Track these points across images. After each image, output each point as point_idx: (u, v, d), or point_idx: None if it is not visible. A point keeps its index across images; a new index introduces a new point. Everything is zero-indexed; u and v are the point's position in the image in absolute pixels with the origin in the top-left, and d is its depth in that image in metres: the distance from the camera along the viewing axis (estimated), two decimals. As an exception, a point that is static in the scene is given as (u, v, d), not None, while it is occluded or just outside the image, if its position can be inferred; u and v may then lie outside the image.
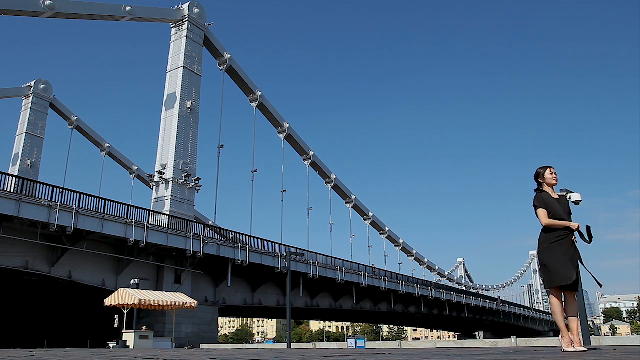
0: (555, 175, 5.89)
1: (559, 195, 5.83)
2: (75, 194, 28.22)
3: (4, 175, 26.33)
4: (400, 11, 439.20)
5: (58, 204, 26.59)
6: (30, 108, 46.49)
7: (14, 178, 27.89)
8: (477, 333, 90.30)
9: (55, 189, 27.59)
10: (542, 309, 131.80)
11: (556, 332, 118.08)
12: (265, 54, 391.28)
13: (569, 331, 5.53)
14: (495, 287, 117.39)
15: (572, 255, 5.55)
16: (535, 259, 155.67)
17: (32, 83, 46.93)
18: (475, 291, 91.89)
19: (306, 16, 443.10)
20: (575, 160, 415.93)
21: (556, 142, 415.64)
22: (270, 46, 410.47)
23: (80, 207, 27.83)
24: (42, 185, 27.76)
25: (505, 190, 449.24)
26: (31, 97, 46.64)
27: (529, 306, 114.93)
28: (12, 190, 25.87)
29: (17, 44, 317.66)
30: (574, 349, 5.44)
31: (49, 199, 26.65)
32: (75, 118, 50.32)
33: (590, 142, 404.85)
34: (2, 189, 25.27)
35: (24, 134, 45.94)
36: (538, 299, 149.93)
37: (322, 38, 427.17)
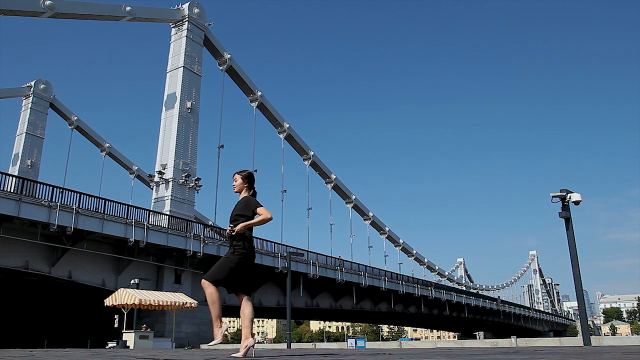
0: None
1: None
2: (75, 194, 28.22)
3: (4, 175, 26.33)
4: (401, 10, 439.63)
5: (58, 204, 26.58)
6: (30, 108, 46.43)
7: (14, 178, 27.88)
8: (477, 333, 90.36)
9: (55, 189, 27.58)
10: (542, 309, 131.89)
11: (556, 332, 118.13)
12: (265, 53, 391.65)
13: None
14: (495, 287, 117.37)
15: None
16: (536, 258, 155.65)
17: (32, 83, 46.88)
18: (475, 291, 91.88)
19: (306, 16, 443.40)
20: (575, 160, 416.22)
21: (556, 141, 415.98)
22: (271, 46, 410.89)
23: (80, 207, 27.82)
24: (42, 185, 27.75)
25: (505, 190, 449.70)
26: (31, 97, 46.58)
27: (529, 306, 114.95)
28: (12, 190, 25.87)
29: (17, 43, 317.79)
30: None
31: (49, 199, 26.64)
32: (75, 118, 50.26)
33: (591, 141, 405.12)
34: (2, 189, 25.27)
35: (24, 134, 45.90)
36: (538, 299, 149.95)
37: (322, 38, 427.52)
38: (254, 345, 5.42)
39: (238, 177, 5.77)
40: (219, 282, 5.40)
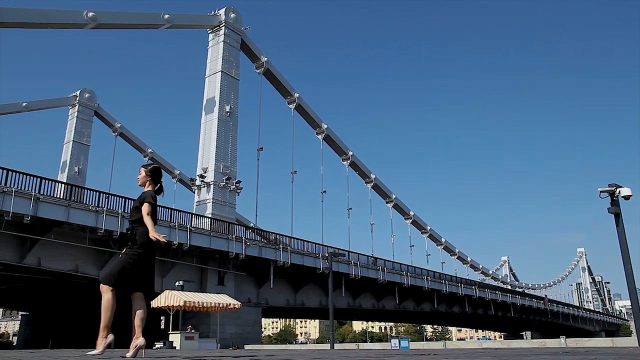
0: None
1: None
2: (120, 198, 29.07)
3: (54, 182, 27.39)
4: (440, 8, 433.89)
5: (104, 208, 27.42)
6: (77, 117, 48.09)
7: (63, 185, 28.95)
8: (524, 333, 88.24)
9: (101, 194, 28.52)
10: (592, 308, 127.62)
11: (608, 332, 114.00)
12: (301, 54, 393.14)
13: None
14: (541, 285, 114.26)
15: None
16: (585, 256, 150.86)
17: (78, 93, 48.53)
18: (521, 290, 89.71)
19: (343, 16, 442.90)
20: (624, 153, 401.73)
21: (604, 136, 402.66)
22: (306, 47, 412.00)
23: (126, 211, 28.51)
24: (89, 191, 28.74)
25: (552, 185, 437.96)
26: (77, 106, 48.21)
27: (578, 305, 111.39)
28: (61, 197, 26.86)
29: (56, 54, 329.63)
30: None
31: (96, 205, 27.52)
32: (119, 125, 51.65)
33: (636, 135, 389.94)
34: (52, 195, 26.27)
35: (71, 142, 47.54)
36: (587, 297, 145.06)
37: (360, 37, 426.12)
38: (144, 345, 5.32)
39: (142, 171, 5.79)
40: (118, 283, 5.30)
